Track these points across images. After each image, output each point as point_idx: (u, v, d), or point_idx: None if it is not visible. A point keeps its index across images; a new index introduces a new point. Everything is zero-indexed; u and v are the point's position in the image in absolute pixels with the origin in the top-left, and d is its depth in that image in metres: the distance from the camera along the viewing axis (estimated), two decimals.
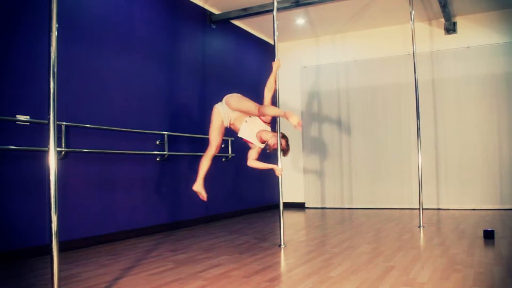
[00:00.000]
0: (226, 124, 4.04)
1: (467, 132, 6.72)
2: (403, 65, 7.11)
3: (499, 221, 5.23)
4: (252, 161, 4.03)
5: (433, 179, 6.86)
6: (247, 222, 5.78)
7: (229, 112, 3.99)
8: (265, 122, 4.02)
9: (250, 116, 4.02)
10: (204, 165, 4.02)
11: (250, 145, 4.09)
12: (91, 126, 4.21)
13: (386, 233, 4.57)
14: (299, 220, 6.09)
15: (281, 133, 4.06)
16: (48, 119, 2.12)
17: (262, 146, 4.05)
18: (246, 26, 7.16)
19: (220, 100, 4.06)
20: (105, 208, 4.38)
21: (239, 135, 4.05)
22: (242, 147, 6.50)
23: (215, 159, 6.12)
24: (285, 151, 4.07)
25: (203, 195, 4.04)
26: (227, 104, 3.96)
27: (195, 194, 5.68)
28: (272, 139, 3.97)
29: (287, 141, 4.07)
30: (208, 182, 5.95)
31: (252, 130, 3.98)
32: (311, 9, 6.46)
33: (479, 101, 6.67)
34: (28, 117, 3.63)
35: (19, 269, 3.23)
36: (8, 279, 2.96)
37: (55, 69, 2.14)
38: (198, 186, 4.02)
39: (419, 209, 4.92)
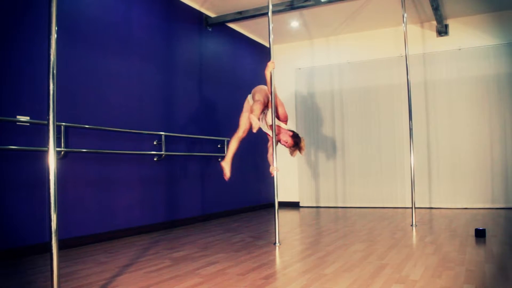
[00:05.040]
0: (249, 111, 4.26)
1: (458, 132, 6.81)
2: (395, 67, 7.19)
3: (490, 220, 5.29)
4: (269, 155, 4.30)
5: (425, 179, 6.94)
6: (243, 221, 5.82)
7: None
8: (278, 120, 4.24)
9: (268, 109, 4.21)
10: (232, 145, 4.27)
11: (268, 137, 4.35)
12: (90, 126, 4.26)
13: (379, 231, 4.62)
14: (294, 218, 6.14)
15: (292, 131, 4.21)
16: (48, 120, 2.14)
17: (269, 132, 4.27)
18: (242, 29, 7.22)
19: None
20: (104, 206, 4.42)
21: (262, 126, 4.30)
22: (238, 147, 6.56)
23: (212, 159, 6.19)
24: (292, 150, 4.21)
25: (226, 172, 4.23)
26: (252, 94, 4.25)
27: (192, 193, 5.77)
28: (280, 134, 4.17)
29: (295, 141, 4.17)
30: (205, 181, 6.03)
31: (267, 122, 4.20)
32: (306, 12, 6.53)
33: (470, 102, 6.76)
34: (28, 117, 3.68)
35: (20, 267, 3.26)
36: (8, 276, 2.99)
37: (55, 71, 2.16)
38: (225, 163, 4.23)
39: (412, 208, 4.95)
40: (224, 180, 6.42)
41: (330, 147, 7.64)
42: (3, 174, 3.53)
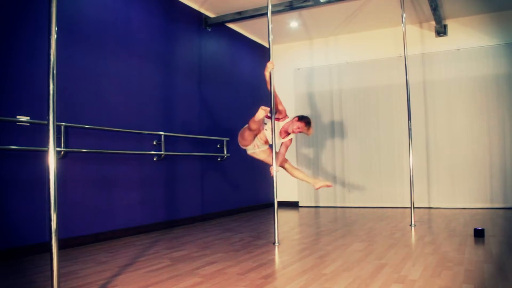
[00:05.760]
0: (264, 147, 4.48)
1: (457, 132, 6.82)
2: (394, 67, 7.20)
3: (489, 219, 5.30)
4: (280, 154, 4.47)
5: (424, 179, 6.96)
6: (242, 221, 5.83)
7: (254, 142, 4.44)
8: (278, 120, 4.31)
9: (266, 123, 4.32)
10: (298, 174, 4.54)
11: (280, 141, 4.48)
12: (90, 126, 4.26)
13: (378, 231, 4.63)
14: (293, 218, 6.14)
15: (295, 117, 4.34)
16: (48, 120, 2.15)
17: (286, 139, 4.42)
18: (241, 29, 7.22)
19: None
20: (103, 206, 4.43)
21: (270, 143, 4.40)
22: (237, 147, 6.57)
23: (211, 159, 6.20)
24: (307, 129, 4.32)
25: (327, 184, 4.44)
26: (241, 138, 4.43)
27: (191, 193, 5.78)
28: (290, 127, 4.28)
29: (306, 120, 4.28)
30: (205, 181, 6.03)
31: (273, 133, 4.24)
32: (305, 12, 6.54)
33: (469, 102, 6.77)
34: (28, 117, 3.68)
35: (20, 266, 3.27)
36: (9, 276, 3.00)
37: (55, 71, 2.17)
38: (318, 184, 4.43)
39: (411, 208, 4.97)
40: (224, 180, 6.48)
41: (329, 147, 7.65)
42: (3, 174, 3.53)
